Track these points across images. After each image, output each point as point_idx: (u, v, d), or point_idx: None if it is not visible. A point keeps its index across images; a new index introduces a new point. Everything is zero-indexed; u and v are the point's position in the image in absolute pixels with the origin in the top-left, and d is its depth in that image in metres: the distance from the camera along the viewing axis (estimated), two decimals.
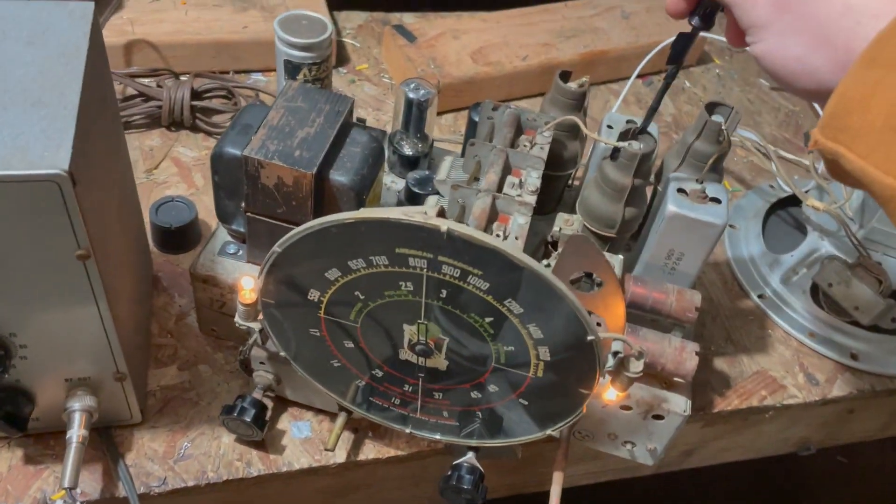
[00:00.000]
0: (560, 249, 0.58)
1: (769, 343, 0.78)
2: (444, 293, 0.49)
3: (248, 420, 0.60)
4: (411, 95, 0.69)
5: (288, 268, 0.51)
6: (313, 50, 0.65)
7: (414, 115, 0.71)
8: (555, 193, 0.72)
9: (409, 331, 0.52)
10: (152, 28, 0.91)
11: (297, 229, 0.48)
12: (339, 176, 0.58)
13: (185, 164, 0.84)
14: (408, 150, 0.73)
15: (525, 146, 0.63)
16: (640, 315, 0.62)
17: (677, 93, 1.07)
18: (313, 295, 0.52)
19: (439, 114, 0.96)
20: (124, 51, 0.89)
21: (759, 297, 0.81)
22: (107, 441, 0.61)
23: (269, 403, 0.65)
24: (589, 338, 0.47)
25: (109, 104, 0.56)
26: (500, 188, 0.60)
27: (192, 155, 0.86)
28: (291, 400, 0.66)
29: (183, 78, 0.89)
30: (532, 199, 0.59)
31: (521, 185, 0.60)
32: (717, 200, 0.62)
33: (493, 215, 0.58)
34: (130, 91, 0.86)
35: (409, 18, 1.09)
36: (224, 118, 0.87)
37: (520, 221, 0.57)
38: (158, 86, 0.87)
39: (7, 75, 0.47)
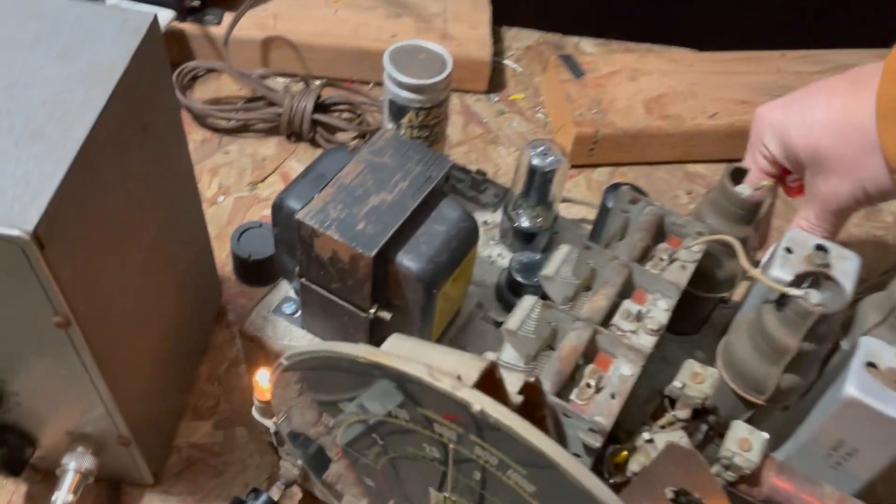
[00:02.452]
0: (651, 456, 0.42)
1: None
2: (476, 476, 0.35)
3: None
4: (535, 162, 0.56)
5: (300, 384, 0.40)
6: (423, 92, 0.53)
7: (537, 183, 0.57)
8: (700, 314, 0.56)
9: (435, 496, 0.40)
10: (295, 25, 0.83)
11: (300, 349, 0.37)
12: (409, 261, 0.46)
13: None
14: (524, 222, 0.59)
15: (661, 261, 0.48)
16: None
17: None
18: (327, 419, 0.41)
19: (593, 167, 0.80)
20: (261, 46, 0.83)
21: None
22: (111, 499, 0.54)
23: (297, 495, 0.56)
24: None
25: (159, 133, 0.47)
26: (609, 316, 0.45)
27: None
28: (321, 500, 0.55)
29: (315, 84, 0.81)
30: (650, 342, 0.44)
31: (639, 316, 0.45)
32: None
33: (590, 354, 0.43)
34: (257, 93, 0.79)
35: (587, 46, 0.94)
36: (346, 136, 0.78)
37: (623, 371, 0.42)
38: (286, 90, 0.79)
39: (19, 94, 0.39)
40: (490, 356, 0.46)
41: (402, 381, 0.33)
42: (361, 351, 0.34)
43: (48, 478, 0.55)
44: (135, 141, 0.44)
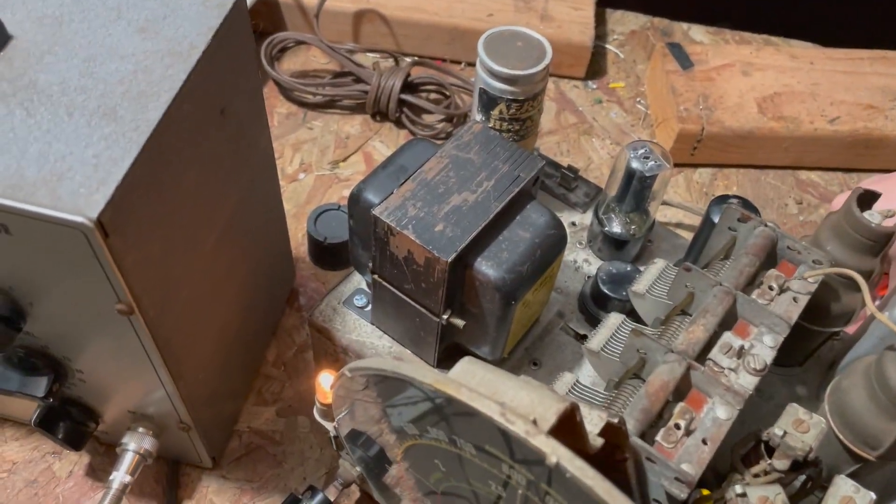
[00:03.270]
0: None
1: None
2: None
3: None
4: (634, 165, 0.51)
5: (354, 385, 0.38)
6: (518, 84, 0.49)
7: (634, 188, 0.52)
8: (807, 347, 0.50)
9: None
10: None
11: (366, 364, 0.34)
12: (487, 269, 0.43)
13: (377, 162, 0.74)
14: (616, 228, 0.55)
15: (771, 290, 0.43)
16: None
17: None
18: (388, 437, 0.38)
19: (694, 167, 0.75)
20: (353, 19, 0.80)
21: None
22: (170, 479, 0.54)
23: (355, 494, 0.54)
24: None
25: (240, 116, 0.45)
26: (707, 349, 0.40)
27: (388, 153, 0.75)
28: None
29: (405, 61, 0.78)
30: (751, 383, 0.39)
31: (741, 353, 0.40)
32: None
33: (681, 391, 0.39)
34: (345, 68, 0.77)
35: (697, 34, 0.87)
36: (433, 119, 0.75)
37: (719, 415, 0.38)
38: (374, 67, 0.76)
39: (96, 68, 0.37)
40: (566, 381, 0.42)
41: (473, 413, 0.30)
42: (429, 378, 0.31)
43: (110, 451, 0.55)
44: (212, 124, 0.42)
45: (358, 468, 0.51)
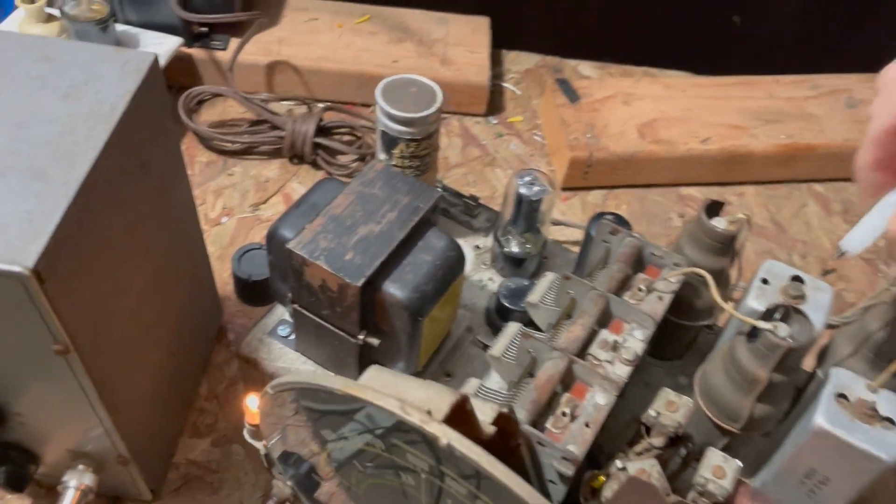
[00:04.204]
0: (615, 487, 0.44)
1: None
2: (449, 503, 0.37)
3: None
4: (522, 191, 0.57)
5: (285, 411, 0.42)
6: (414, 125, 0.55)
7: (524, 211, 0.59)
8: (683, 341, 0.57)
9: None
10: (299, 50, 0.85)
11: (283, 380, 0.39)
12: (395, 290, 0.48)
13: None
14: (513, 248, 0.61)
15: (640, 291, 0.49)
16: None
17: None
18: (312, 446, 0.43)
19: (587, 189, 0.82)
20: (266, 71, 0.85)
21: None
22: None
23: None
24: None
25: (159, 169, 0.49)
26: (586, 346, 0.47)
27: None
28: None
29: (317, 107, 0.83)
30: (624, 372, 0.45)
31: (615, 346, 0.46)
32: (891, 422, 0.44)
33: (567, 382, 0.45)
34: (261, 116, 0.82)
35: (585, 69, 0.96)
36: (347, 159, 0.80)
37: (598, 401, 0.44)
38: (288, 114, 0.81)
39: (24, 133, 0.41)
40: (472, 385, 0.47)
41: (379, 411, 0.35)
42: (338, 384, 0.36)
43: (52, 493, 0.57)
44: (134, 177, 0.46)
45: (290, 487, 0.55)
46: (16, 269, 0.36)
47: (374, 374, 0.38)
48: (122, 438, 0.49)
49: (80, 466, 0.52)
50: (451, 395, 0.35)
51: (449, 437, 0.33)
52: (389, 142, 0.57)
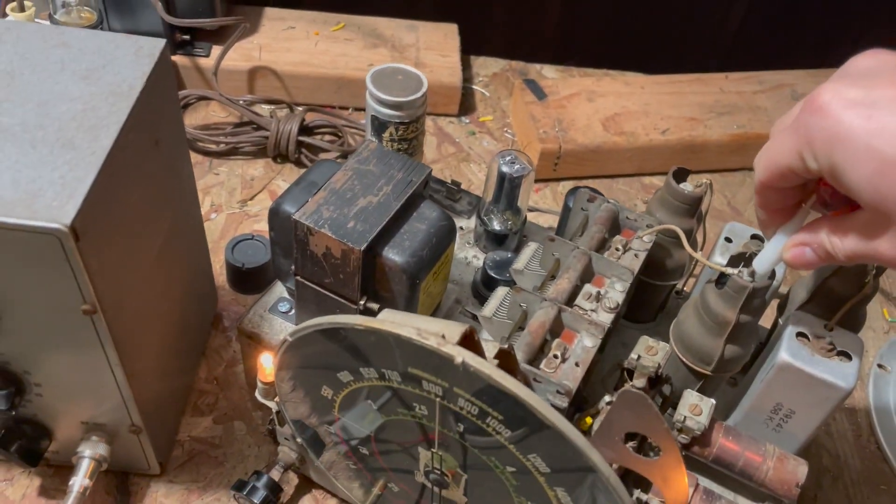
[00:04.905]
0: (609, 403, 0.48)
1: None
2: (461, 427, 0.41)
3: (257, 502, 0.54)
4: (504, 169, 0.62)
5: (302, 359, 0.45)
6: (402, 109, 0.60)
7: (506, 189, 0.63)
8: (655, 302, 0.62)
9: (424, 455, 0.45)
10: (279, 56, 0.89)
11: (306, 324, 0.42)
12: (394, 255, 0.52)
13: None
14: (496, 226, 0.65)
15: (617, 251, 0.54)
16: (728, 476, 0.51)
17: None
18: (326, 392, 0.46)
19: (558, 180, 0.87)
20: (248, 76, 0.89)
21: None
22: (120, 489, 0.58)
23: (294, 480, 0.60)
24: None
25: (169, 148, 0.53)
26: (572, 298, 0.51)
27: None
28: (317, 482, 0.60)
29: (298, 109, 0.87)
30: (607, 318, 0.50)
31: (598, 297, 0.51)
32: (846, 356, 0.50)
33: (556, 330, 0.49)
34: (244, 118, 0.85)
35: (549, 72, 1.02)
36: (329, 157, 0.84)
37: (586, 344, 0.48)
38: (271, 115, 0.85)
39: (50, 110, 0.45)
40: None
41: (396, 342, 0.39)
42: (359, 320, 0.39)
43: (59, 472, 0.59)
44: (149, 152, 0.49)
45: (296, 451, 0.58)
46: (55, 226, 0.39)
47: (386, 314, 0.42)
48: (137, 404, 0.52)
49: (94, 437, 0.54)
50: (461, 325, 0.39)
51: (463, 355, 0.36)
52: (380, 126, 0.61)
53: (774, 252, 0.45)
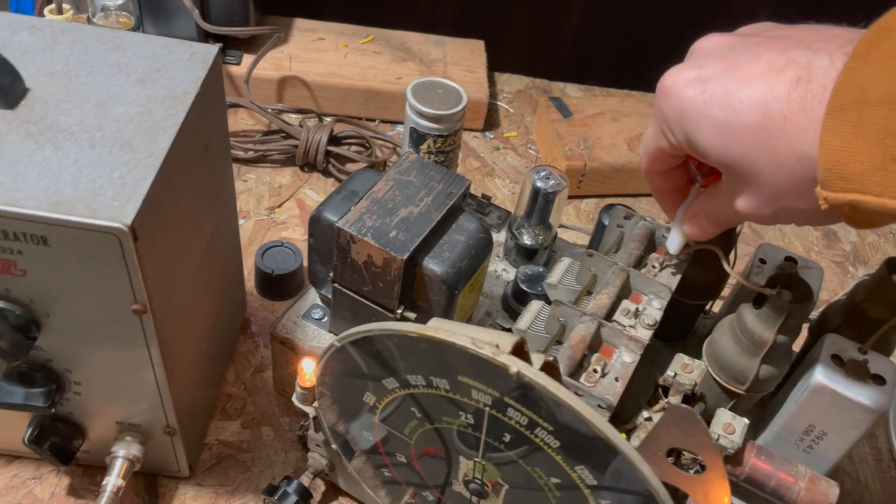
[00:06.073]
0: (659, 415, 0.49)
1: None
2: (507, 437, 0.41)
3: None
4: (539, 184, 0.63)
5: (347, 364, 0.46)
6: (442, 122, 0.61)
7: (539, 204, 0.64)
8: (684, 321, 0.63)
9: (466, 465, 0.45)
10: (309, 66, 0.90)
11: (357, 329, 0.43)
12: (434, 265, 0.52)
13: (309, 207, 0.82)
14: (527, 240, 0.66)
15: (654, 267, 0.55)
16: (759, 495, 0.51)
17: None
18: (369, 398, 0.46)
19: (581, 198, 0.88)
20: (277, 85, 0.89)
21: None
22: (149, 490, 0.59)
23: (321, 487, 0.60)
24: None
25: (216, 153, 0.53)
26: (610, 314, 0.51)
27: (318, 199, 0.84)
28: (344, 490, 0.60)
29: (327, 120, 0.88)
30: (646, 335, 0.50)
31: (636, 314, 0.51)
32: (880, 379, 0.50)
33: (594, 345, 0.50)
34: (273, 126, 0.86)
35: (572, 91, 1.03)
36: (356, 167, 0.85)
37: (625, 359, 0.49)
38: (300, 125, 0.86)
39: (107, 111, 0.45)
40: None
41: (448, 351, 0.39)
42: (411, 327, 0.40)
43: (88, 472, 0.59)
44: (199, 156, 0.50)
45: (326, 458, 0.58)
46: (115, 225, 0.40)
47: (436, 323, 0.42)
48: (174, 406, 0.52)
49: (128, 438, 0.55)
50: (513, 336, 0.40)
51: (518, 365, 0.37)
52: (418, 138, 0.62)
53: (678, 231, 0.50)
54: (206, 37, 0.85)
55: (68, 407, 0.53)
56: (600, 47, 1.07)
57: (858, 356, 0.51)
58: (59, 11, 0.78)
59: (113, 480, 0.53)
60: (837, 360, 0.51)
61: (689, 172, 0.47)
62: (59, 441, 0.54)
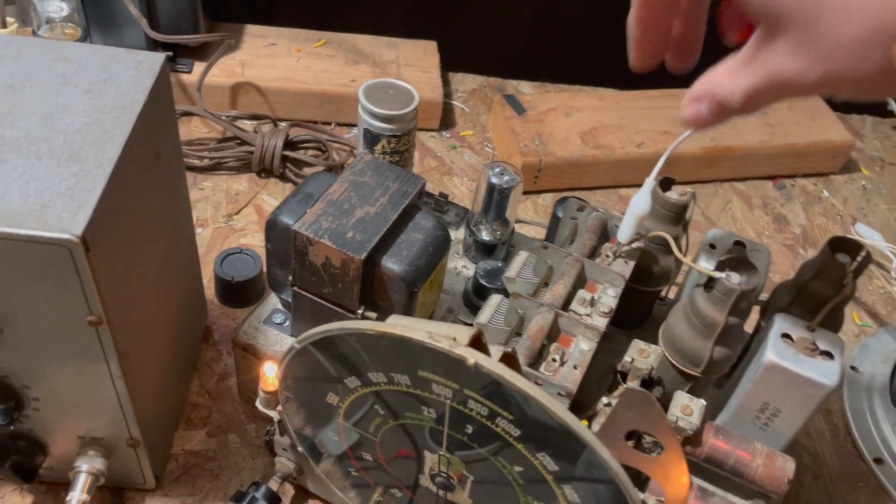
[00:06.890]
0: (614, 402, 0.50)
1: None
2: (469, 429, 0.42)
3: None
4: (494, 180, 0.64)
5: (308, 366, 0.46)
6: (394, 122, 0.61)
7: (495, 200, 0.65)
8: (641, 308, 0.64)
9: (431, 459, 0.46)
10: (261, 72, 0.90)
11: (315, 330, 0.43)
12: (392, 264, 0.53)
13: (267, 213, 0.82)
14: (485, 236, 0.67)
15: (607, 257, 0.56)
16: (719, 474, 0.52)
17: (812, 202, 0.96)
18: (332, 399, 0.47)
19: (538, 192, 0.89)
20: (231, 92, 0.89)
21: (876, 461, 0.69)
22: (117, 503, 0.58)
23: (290, 491, 0.60)
24: None
25: (168, 161, 0.53)
26: (567, 304, 0.52)
27: (276, 204, 0.83)
28: (313, 493, 0.60)
29: (282, 125, 0.87)
30: (602, 322, 0.51)
31: (592, 302, 0.52)
32: (828, 355, 0.52)
33: (553, 335, 0.51)
34: (228, 133, 0.86)
35: (525, 88, 1.04)
36: (315, 171, 0.85)
37: (582, 347, 0.50)
38: (255, 131, 0.86)
39: (54, 123, 0.45)
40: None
41: (407, 346, 0.40)
42: (369, 325, 0.40)
43: (53, 489, 0.58)
44: (151, 165, 0.50)
45: (294, 462, 0.58)
46: (65, 236, 0.39)
47: (394, 319, 0.43)
48: (136, 417, 0.52)
49: (91, 452, 0.54)
50: (470, 329, 0.40)
51: (475, 356, 0.38)
52: (372, 139, 0.62)
53: (630, 222, 0.52)
54: (155, 46, 0.84)
55: (28, 424, 0.52)
56: (552, 44, 1.09)
57: (807, 334, 0.53)
58: (3, 25, 0.76)
59: (77, 496, 0.52)
60: (787, 339, 0.53)
61: (719, 24, 0.39)
62: (20, 459, 0.53)
